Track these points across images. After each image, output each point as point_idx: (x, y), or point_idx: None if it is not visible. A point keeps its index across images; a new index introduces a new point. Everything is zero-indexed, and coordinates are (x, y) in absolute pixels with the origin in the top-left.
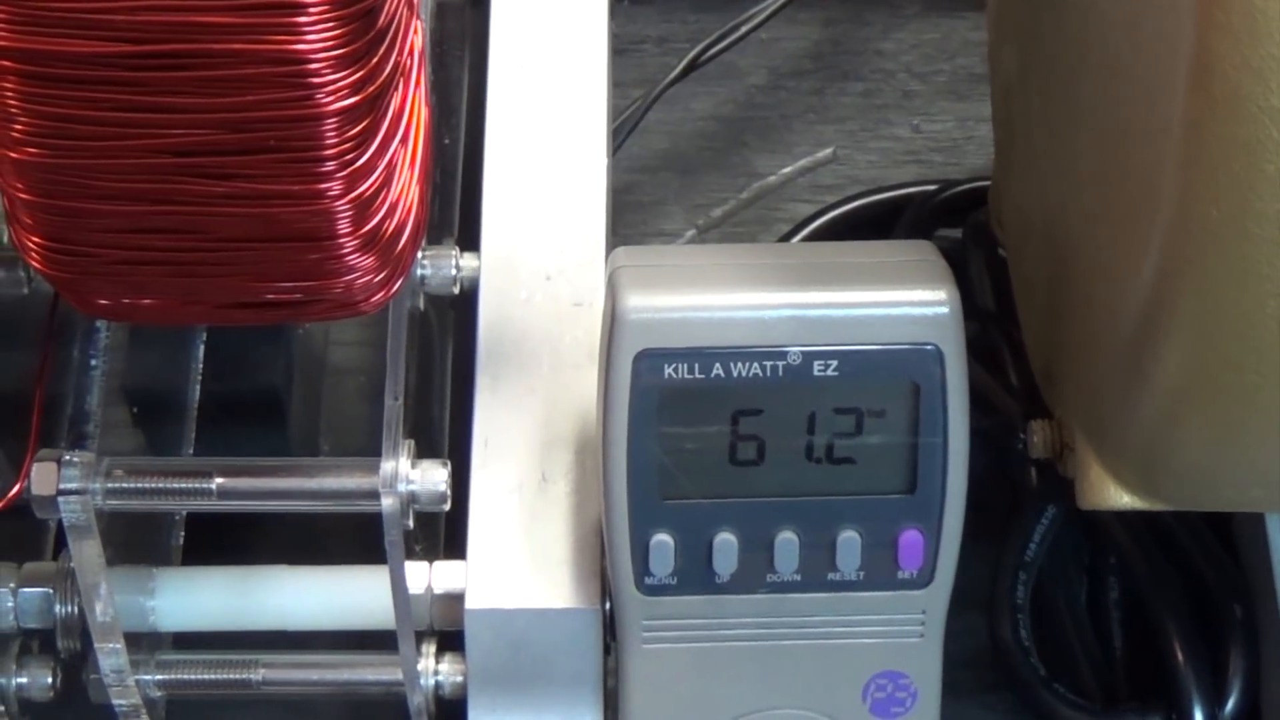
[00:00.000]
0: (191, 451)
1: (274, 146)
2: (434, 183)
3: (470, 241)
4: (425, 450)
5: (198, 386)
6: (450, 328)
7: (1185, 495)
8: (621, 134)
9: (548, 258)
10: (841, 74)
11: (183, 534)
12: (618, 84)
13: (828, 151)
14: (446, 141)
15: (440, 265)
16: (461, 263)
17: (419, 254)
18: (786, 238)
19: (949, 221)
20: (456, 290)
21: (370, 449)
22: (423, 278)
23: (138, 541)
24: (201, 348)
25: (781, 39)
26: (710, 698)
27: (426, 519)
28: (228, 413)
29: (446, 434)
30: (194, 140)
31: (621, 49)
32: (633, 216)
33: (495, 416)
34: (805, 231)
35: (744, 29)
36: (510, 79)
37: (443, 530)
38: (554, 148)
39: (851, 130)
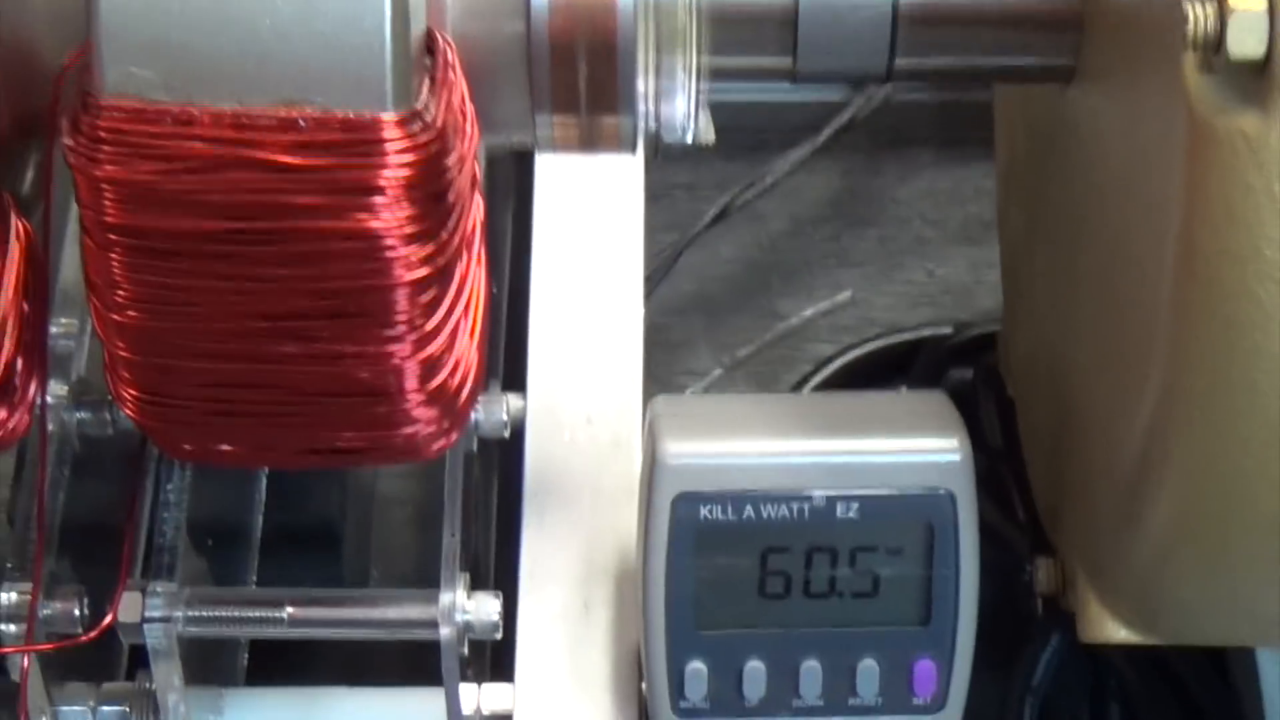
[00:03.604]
0: (255, 579)
1: (352, 311)
2: (486, 332)
3: (512, 381)
4: (473, 577)
5: (260, 518)
6: (495, 465)
7: (1178, 631)
8: (655, 279)
9: (588, 401)
10: (859, 220)
11: (247, 655)
12: (649, 228)
13: (846, 295)
14: (494, 291)
15: (492, 411)
16: (510, 405)
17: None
18: (808, 377)
19: (961, 362)
20: (507, 434)
21: (417, 574)
22: (476, 423)
23: (208, 662)
24: (264, 481)
25: (802, 187)
26: None
27: (476, 644)
28: (287, 542)
29: (493, 565)
30: (280, 307)
31: (652, 195)
32: (662, 355)
33: (541, 548)
34: (826, 371)
35: (769, 179)
36: (553, 230)
37: (489, 653)
38: (593, 297)
39: (869, 274)
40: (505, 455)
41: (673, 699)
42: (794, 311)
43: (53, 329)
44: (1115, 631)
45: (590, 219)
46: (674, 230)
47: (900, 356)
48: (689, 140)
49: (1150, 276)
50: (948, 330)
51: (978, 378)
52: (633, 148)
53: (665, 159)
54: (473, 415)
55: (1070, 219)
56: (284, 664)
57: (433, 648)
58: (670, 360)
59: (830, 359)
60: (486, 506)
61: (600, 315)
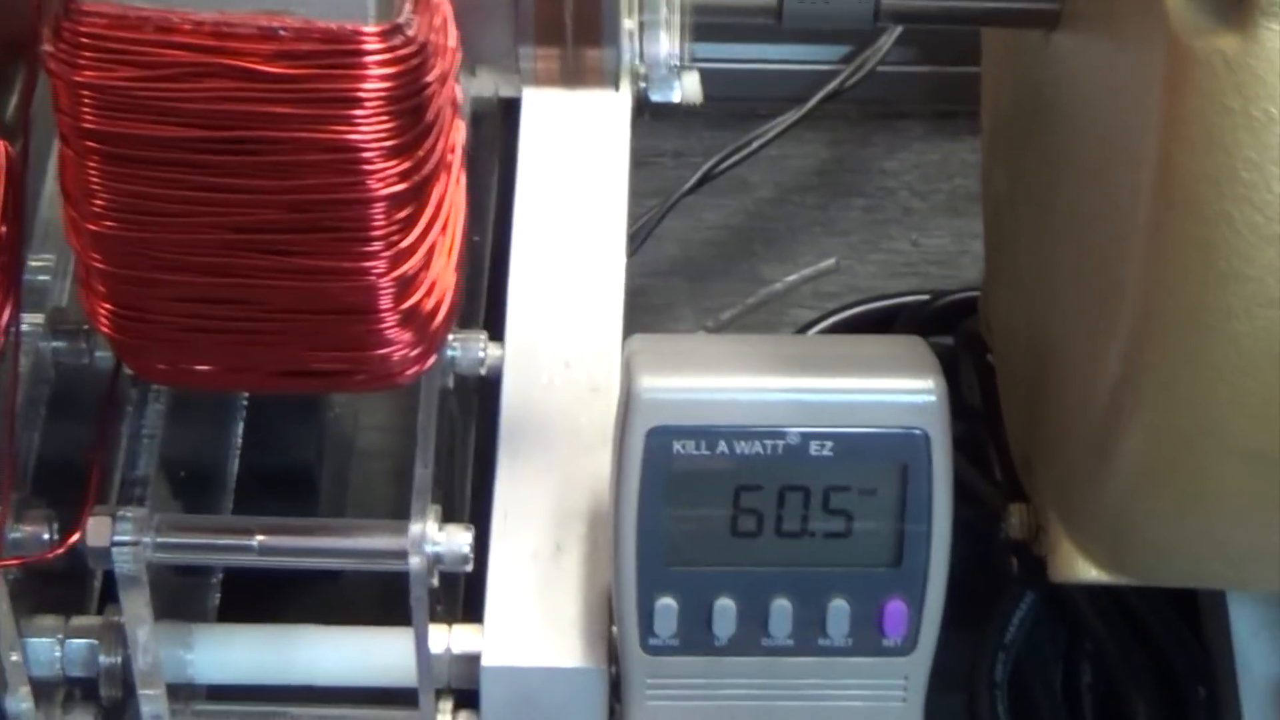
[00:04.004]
0: None
1: (327, 226)
2: (464, 274)
3: (496, 333)
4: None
5: (236, 460)
6: (474, 412)
7: (1148, 569)
8: (638, 240)
9: (567, 346)
10: (846, 190)
11: (219, 596)
12: (635, 194)
13: (830, 262)
14: (476, 239)
15: (469, 348)
16: (488, 348)
17: (450, 336)
18: None
19: (941, 329)
20: (483, 372)
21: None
22: (453, 359)
23: (178, 601)
24: (241, 424)
25: (790, 156)
26: None
27: (448, 585)
28: (263, 487)
29: (468, 508)
30: (255, 219)
31: (640, 161)
32: (646, 318)
33: (515, 491)
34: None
35: (755, 145)
36: (537, 181)
37: (462, 597)
38: (575, 244)
39: (854, 243)
40: (485, 404)
41: (642, 635)
42: (778, 277)
43: (32, 263)
44: (1086, 571)
45: (574, 169)
46: (660, 196)
47: (881, 322)
48: (676, 98)
49: (1127, 208)
50: (927, 297)
51: (958, 342)
52: (615, 83)
53: (654, 124)
54: (449, 352)
55: (1051, 168)
56: (257, 606)
57: (407, 592)
58: (653, 323)
59: (811, 323)
60: (464, 450)
61: (581, 261)
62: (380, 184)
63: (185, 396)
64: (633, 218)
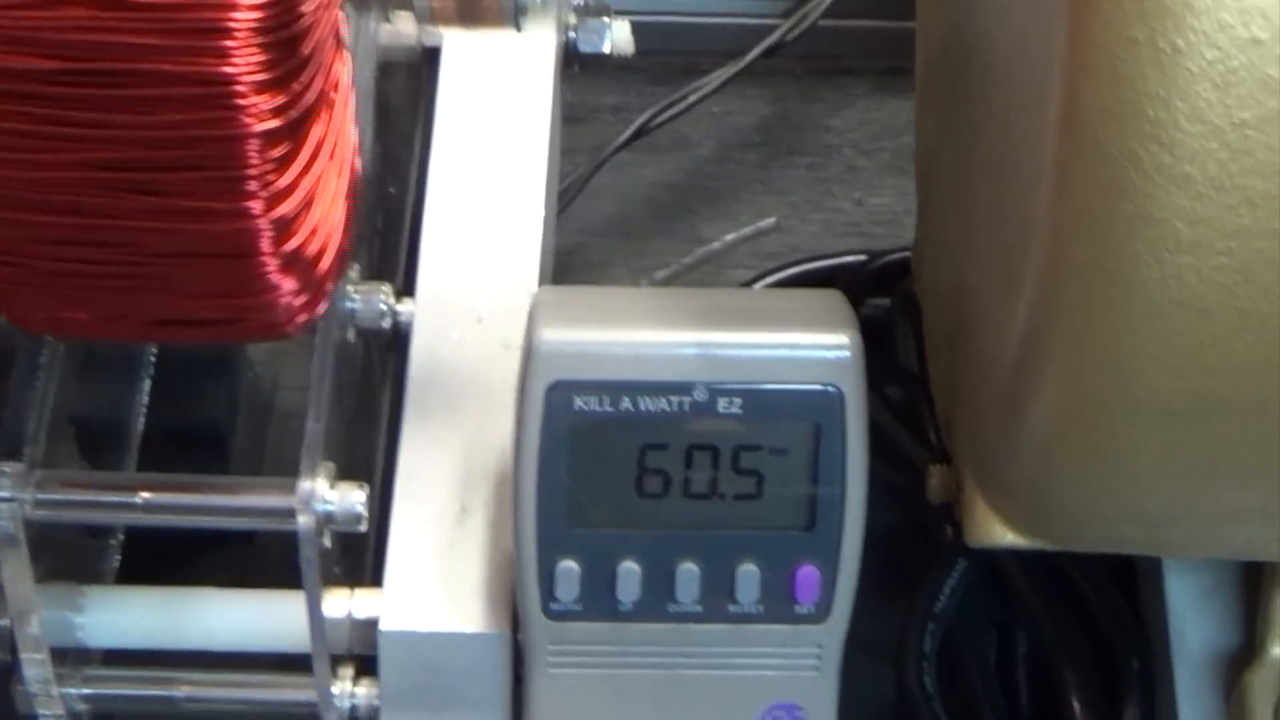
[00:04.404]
0: None
1: (197, 164)
2: (377, 228)
3: (414, 288)
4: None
5: (142, 419)
6: (390, 371)
7: (1065, 534)
8: (568, 196)
9: (480, 301)
10: (789, 148)
11: (118, 558)
12: (572, 150)
13: (770, 221)
14: (392, 190)
15: (371, 300)
16: (393, 302)
17: (350, 288)
18: None
19: (880, 290)
20: (387, 325)
21: None
22: (353, 311)
23: (72, 562)
24: (148, 381)
25: (732, 113)
26: None
27: (354, 549)
28: (170, 446)
29: (380, 469)
30: (119, 156)
31: (578, 117)
32: (579, 276)
33: (420, 450)
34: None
35: (691, 99)
36: (455, 132)
37: (370, 561)
38: (492, 197)
39: (795, 202)
40: (401, 364)
41: (543, 599)
42: (716, 236)
43: None
44: (1002, 535)
45: (494, 120)
46: (597, 152)
47: (819, 282)
48: (606, 49)
49: (1035, 151)
50: (865, 257)
51: (895, 303)
52: (515, 23)
53: (592, 79)
54: (348, 303)
55: (972, 116)
56: (167, 569)
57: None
58: (587, 281)
59: (748, 284)
60: (375, 408)
61: (498, 215)
62: (253, 119)
63: (90, 351)
64: (567, 174)
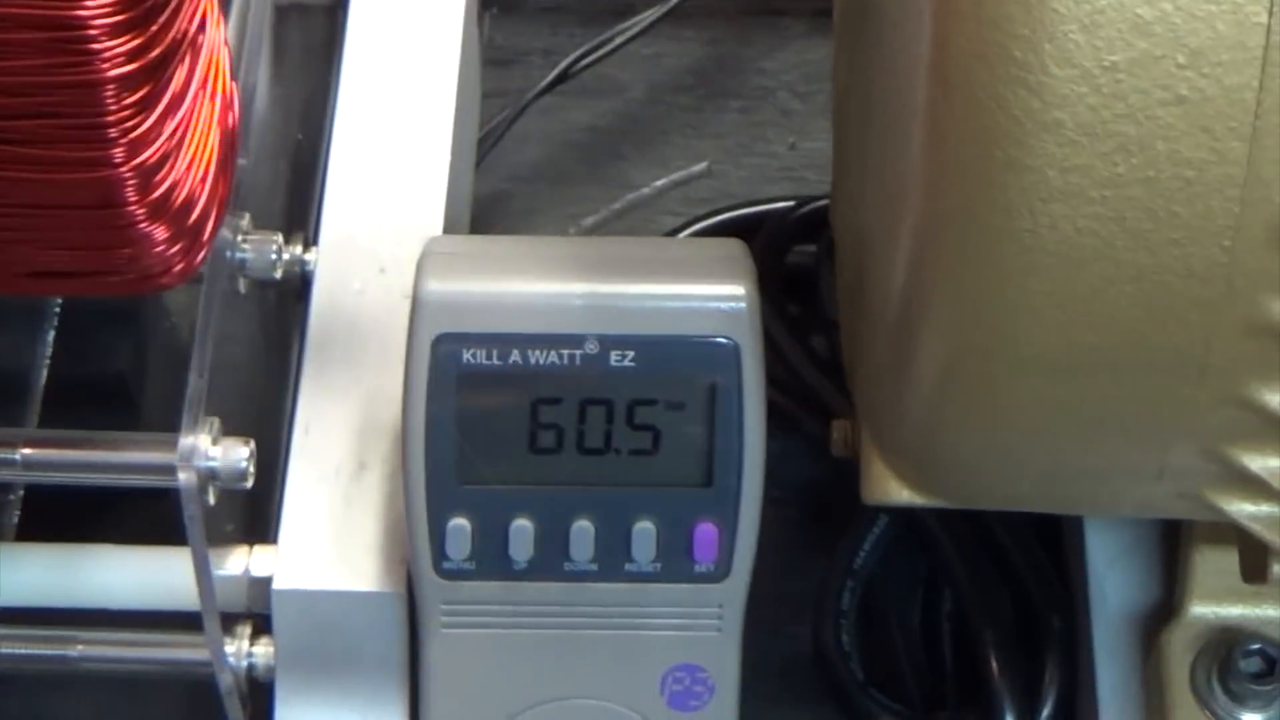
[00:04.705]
0: None
1: (52, 111)
2: (281, 175)
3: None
4: (272, 438)
5: (45, 370)
6: (298, 320)
7: (958, 491)
8: (489, 142)
9: (383, 250)
10: (722, 91)
11: (18, 513)
12: (501, 93)
13: (702, 166)
14: (300, 137)
15: (262, 250)
16: (298, 251)
17: (238, 237)
18: None
19: (807, 237)
20: (278, 275)
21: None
22: (243, 261)
23: None
24: (52, 333)
25: (664, 55)
26: (508, 684)
27: (255, 505)
28: (77, 399)
29: (288, 422)
30: None
31: (506, 59)
32: (506, 223)
33: (318, 403)
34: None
35: (617, 40)
36: (361, 80)
37: (275, 517)
38: (397, 146)
39: (728, 146)
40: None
41: (434, 558)
42: (646, 182)
43: None
44: (898, 492)
45: (401, 64)
46: (525, 95)
47: (746, 230)
48: None
49: (910, 91)
50: (792, 204)
51: (821, 250)
52: None
53: (523, 21)
54: (237, 253)
55: (869, 56)
56: (68, 529)
57: (236, 510)
58: (514, 228)
59: (674, 231)
60: (286, 358)
61: (403, 162)
62: (107, 65)
63: None
64: (493, 118)
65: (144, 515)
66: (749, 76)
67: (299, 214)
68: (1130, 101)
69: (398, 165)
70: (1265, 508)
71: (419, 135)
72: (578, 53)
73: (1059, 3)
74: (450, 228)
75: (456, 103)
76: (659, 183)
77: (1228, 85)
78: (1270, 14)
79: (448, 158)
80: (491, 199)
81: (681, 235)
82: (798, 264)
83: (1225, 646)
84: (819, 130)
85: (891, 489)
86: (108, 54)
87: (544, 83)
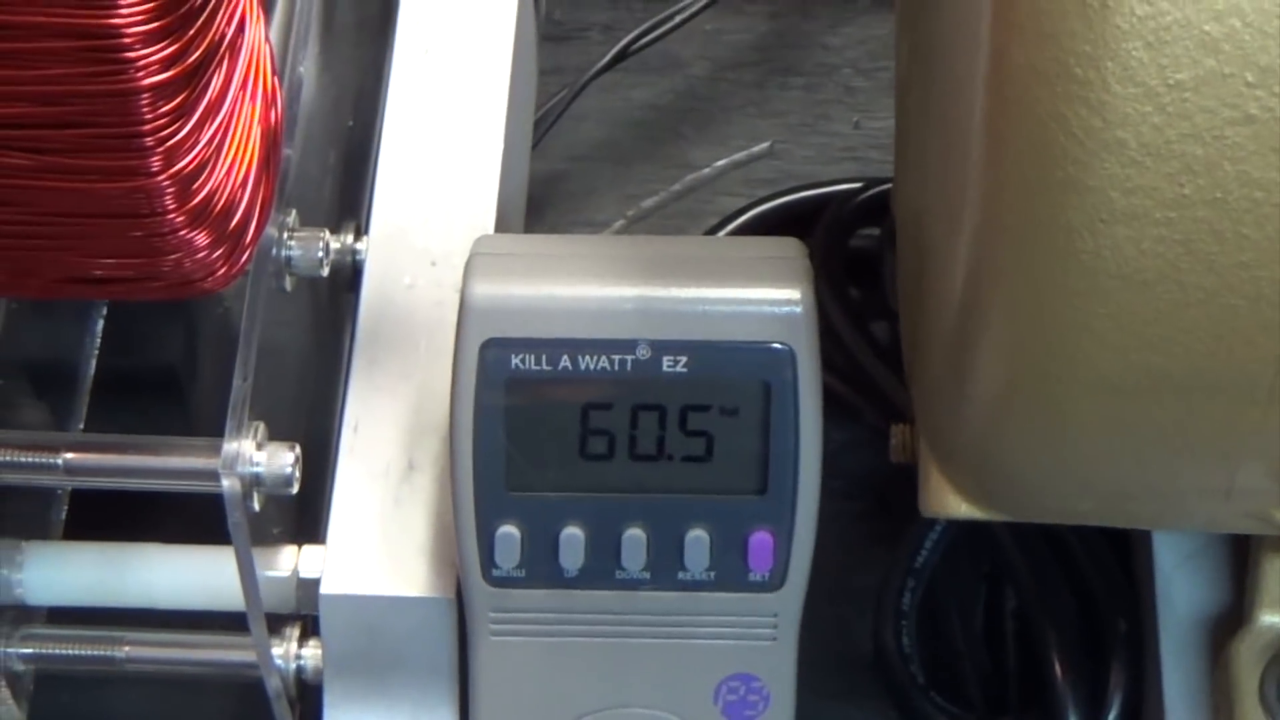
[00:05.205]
0: (82, 428)
1: (88, 121)
2: (329, 166)
3: None
4: (324, 436)
5: (93, 362)
6: (350, 311)
7: (1019, 506)
8: (549, 122)
9: (434, 242)
10: (785, 68)
11: (65, 509)
12: (559, 70)
13: (764, 145)
14: (351, 124)
15: (309, 247)
16: (339, 240)
17: (284, 235)
18: (712, 232)
19: (872, 220)
20: (325, 273)
21: (278, 433)
22: (289, 259)
23: (13, 515)
24: (101, 323)
25: (726, 31)
26: (559, 693)
27: (305, 501)
28: (126, 391)
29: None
30: (10, 113)
31: (565, 35)
32: (563, 204)
33: (368, 401)
34: (730, 226)
35: (678, 18)
36: (414, 65)
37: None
38: (450, 136)
39: (791, 125)
40: None
41: (483, 566)
42: (707, 161)
43: None
44: (957, 505)
45: (454, 49)
46: (585, 73)
47: (810, 212)
48: None
49: (970, 99)
50: (857, 186)
51: (884, 235)
52: None
53: None
54: (284, 251)
55: (933, 47)
56: (117, 525)
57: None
58: (572, 209)
59: (735, 214)
60: (338, 351)
61: (455, 155)
62: (142, 73)
63: None
64: (551, 96)
65: (193, 510)
66: (813, 53)
67: (351, 201)
68: (1196, 121)
69: (449, 154)
70: None
71: (472, 123)
72: (638, 30)
73: (1122, 18)
74: (505, 213)
75: (511, 83)
76: (720, 163)
77: None
78: None
79: (501, 145)
80: (549, 179)
81: (744, 216)
82: (861, 248)
83: None
84: (884, 108)
85: (949, 502)
86: (142, 62)
87: (602, 61)
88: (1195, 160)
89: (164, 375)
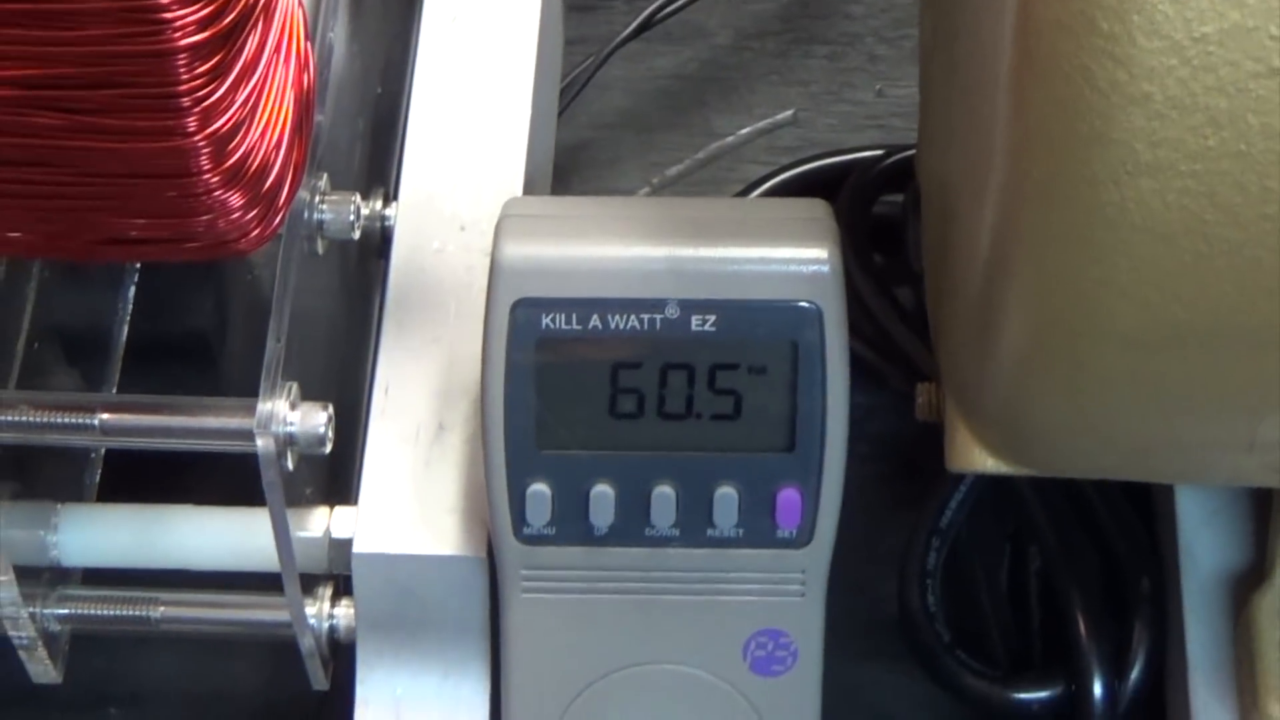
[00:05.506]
0: (114, 392)
1: (126, 81)
2: (359, 132)
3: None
4: (353, 397)
5: (125, 327)
6: (378, 279)
7: (1044, 460)
8: (574, 90)
9: (462, 208)
10: (808, 36)
11: (99, 472)
12: (584, 40)
13: (788, 114)
14: (380, 90)
15: (341, 210)
16: (368, 206)
17: (316, 198)
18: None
19: (895, 187)
20: (356, 235)
21: (309, 394)
22: (321, 222)
23: (49, 477)
24: (133, 289)
25: (750, 0)
26: (590, 650)
27: (336, 464)
28: (158, 355)
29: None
30: (50, 73)
31: (589, 5)
32: (588, 173)
33: (398, 364)
34: (755, 194)
35: None
36: (442, 33)
37: (355, 478)
38: (477, 100)
39: (814, 93)
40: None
41: (514, 524)
42: (730, 129)
43: None
44: (983, 460)
45: (480, 21)
46: (608, 42)
47: (833, 179)
48: None
49: (995, 56)
50: (880, 153)
51: (907, 201)
52: None
53: None
54: (315, 215)
55: (954, 12)
56: (151, 488)
57: (316, 471)
58: (596, 177)
59: (759, 181)
60: (368, 313)
61: (482, 120)
62: (178, 34)
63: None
64: (576, 65)
65: (226, 471)
66: (836, 21)
67: (379, 168)
68: (1221, 74)
69: (478, 120)
70: None
71: (500, 89)
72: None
73: None
74: (531, 180)
75: (538, 52)
76: (744, 131)
77: None
78: None
79: (528, 112)
80: (574, 148)
81: (767, 184)
82: (884, 214)
83: None
84: (907, 76)
85: (976, 457)
86: (179, 23)
87: (627, 31)
88: (1220, 113)
89: (194, 341)
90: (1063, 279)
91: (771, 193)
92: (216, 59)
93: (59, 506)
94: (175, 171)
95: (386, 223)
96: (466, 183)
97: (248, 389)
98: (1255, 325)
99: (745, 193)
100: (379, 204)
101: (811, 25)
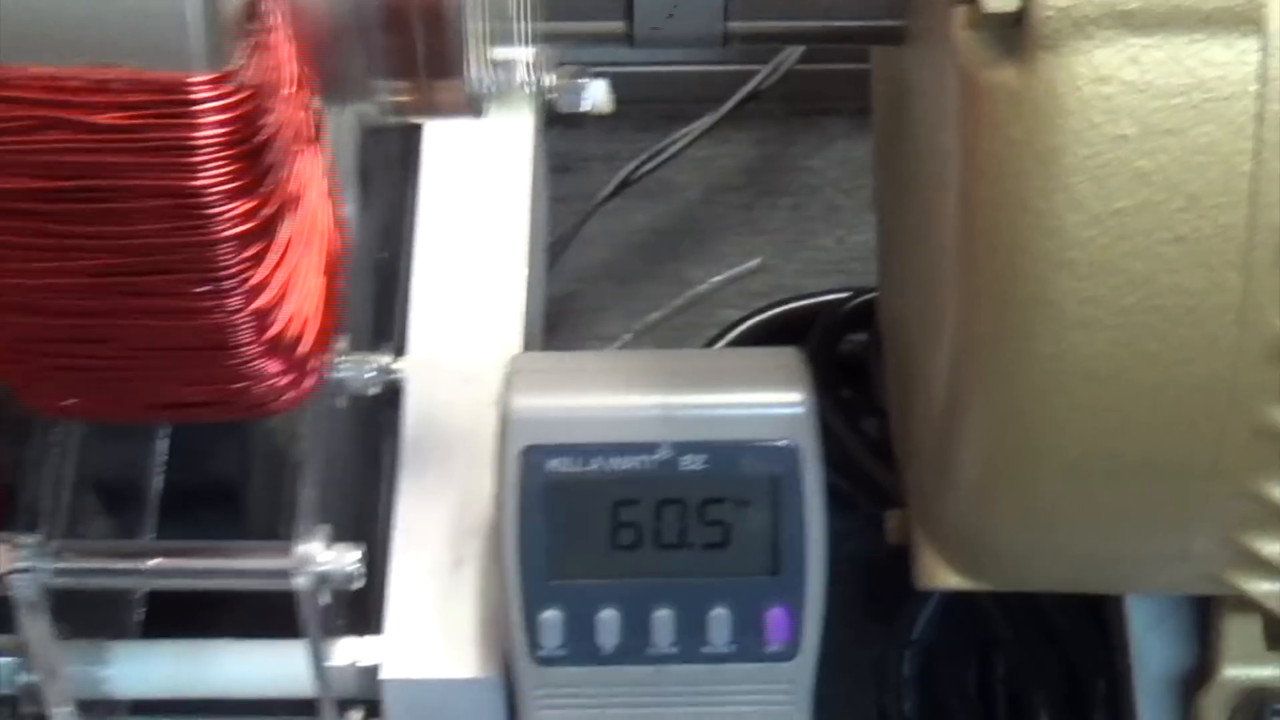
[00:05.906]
0: (153, 537)
1: (177, 267)
2: (368, 294)
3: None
4: (368, 534)
5: (159, 478)
6: (386, 427)
7: (1003, 577)
8: (559, 247)
9: (467, 361)
10: (772, 189)
11: (143, 611)
12: (565, 198)
13: (755, 262)
14: (384, 254)
15: (359, 370)
16: (388, 362)
17: (338, 359)
18: (713, 341)
19: (859, 326)
20: (374, 391)
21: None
22: (341, 381)
23: (97, 618)
24: (165, 441)
25: (717, 157)
26: None
27: (361, 595)
28: (188, 504)
29: (389, 521)
30: (108, 263)
31: (568, 166)
32: (573, 321)
33: (416, 505)
34: (729, 336)
35: (674, 147)
36: (439, 195)
37: (376, 609)
38: (476, 261)
39: (779, 242)
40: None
41: (530, 647)
42: (704, 278)
43: None
44: (947, 578)
45: (477, 182)
46: (587, 200)
47: (801, 321)
48: (585, 108)
49: (946, 229)
50: (845, 296)
51: (871, 340)
52: (476, 112)
53: (580, 129)
54: (337, 374)
55: (907, 175)
56: (187, 623)
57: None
58: (581, 325)
59: (733, 325)
60: (379, 458)
61: (482, 276)
62: (225, 226)
63: None
64: (560, 222)
65: (248, 600)
66: (797, 175)
67: (385, 324)
68: (1136, 242)
69: (477, 280)
70: None
71: (496, 250)
72: (639, 159)
73: (1069, 158)
74: (527, 332)
75: (530, 215)
76: (715, 279)
77: (1221, 224)
78: (1254, 161)
79: (524, 271)
80: (561, 298)
81: (741, 327)
82: (850, 352)
83: (1257, 705)
84: (865, 224)
85: (940, 575)
86: (224, 216)
87: (608, 189)
88: (1136, 275)
89: (223, 488)
90: (1011, 416)
91: (746, 334)
92: (260, 244)
93: (108, 644)
94: (222, 345)
95: (395, 376)
96: (470, 339)
97: (269, 528)
98: (1179, 454)
99: (721, 335)
100: (387, 359)
101: (774, 180)
